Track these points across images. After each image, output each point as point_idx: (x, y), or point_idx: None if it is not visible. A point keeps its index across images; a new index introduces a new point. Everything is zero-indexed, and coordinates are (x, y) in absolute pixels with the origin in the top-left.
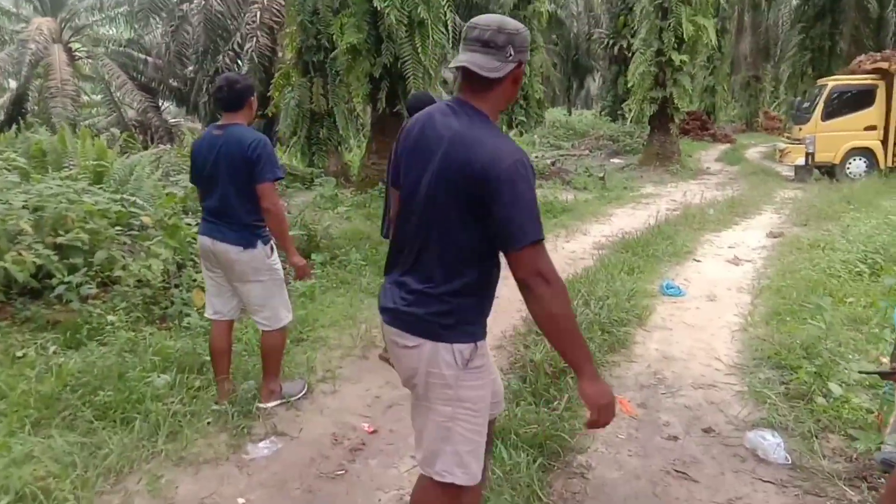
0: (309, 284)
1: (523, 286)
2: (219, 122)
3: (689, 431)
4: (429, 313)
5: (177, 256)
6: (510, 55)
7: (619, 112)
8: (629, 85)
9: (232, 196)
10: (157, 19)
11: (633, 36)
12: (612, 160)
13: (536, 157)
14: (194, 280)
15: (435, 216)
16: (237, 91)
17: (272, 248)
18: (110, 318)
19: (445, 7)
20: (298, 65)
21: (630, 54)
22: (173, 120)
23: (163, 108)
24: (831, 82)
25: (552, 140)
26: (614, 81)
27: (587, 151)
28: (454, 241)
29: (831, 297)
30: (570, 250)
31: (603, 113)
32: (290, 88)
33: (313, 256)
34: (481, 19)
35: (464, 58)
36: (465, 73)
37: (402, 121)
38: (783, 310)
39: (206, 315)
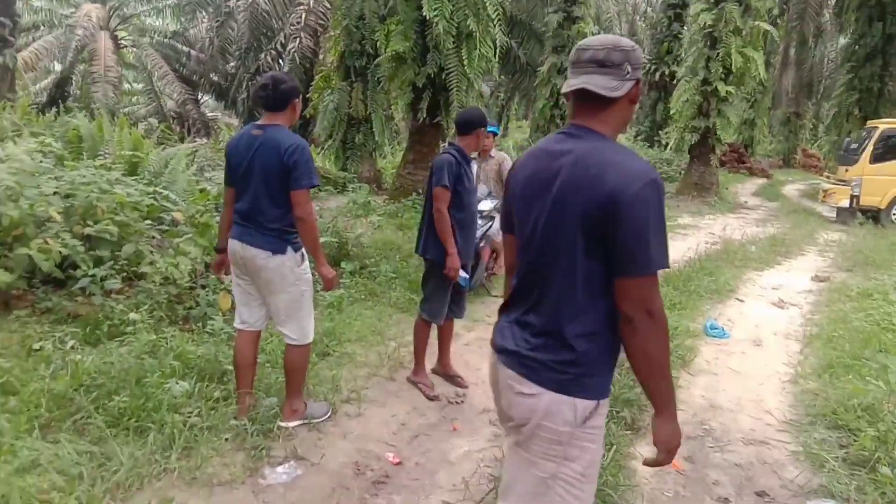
0: (337, 294)
1: (626, 318)
2: (259, 122)
3: (741, 494)
4: (554, 361)
5: (206, 256)
6: (627, 73)
7: (655, 138)
8: (672, 112)
9: (264, 199)
10: (204, 13)
11: (675, 63)
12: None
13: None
14: (221, 282)
15: (558, 246)
16: (282, 91)
17: (303, 257)
18: (132, 315)
19: (495, 21)
20: (340, 69)
21: (670, 81)
22: (211, 114)
23: (202, 101)
24: (883, 125)
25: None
26: (653, 107)
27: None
28: (580, 270)
29: (887, 353)
30: None
31: (639, 138)
32: (329, 91)
33: (343, 265)
34: (593, 40)
35: (580, 80)
36: (581, 96)
37: (441, 132)
38: (836, 363)
39: (234, 324)
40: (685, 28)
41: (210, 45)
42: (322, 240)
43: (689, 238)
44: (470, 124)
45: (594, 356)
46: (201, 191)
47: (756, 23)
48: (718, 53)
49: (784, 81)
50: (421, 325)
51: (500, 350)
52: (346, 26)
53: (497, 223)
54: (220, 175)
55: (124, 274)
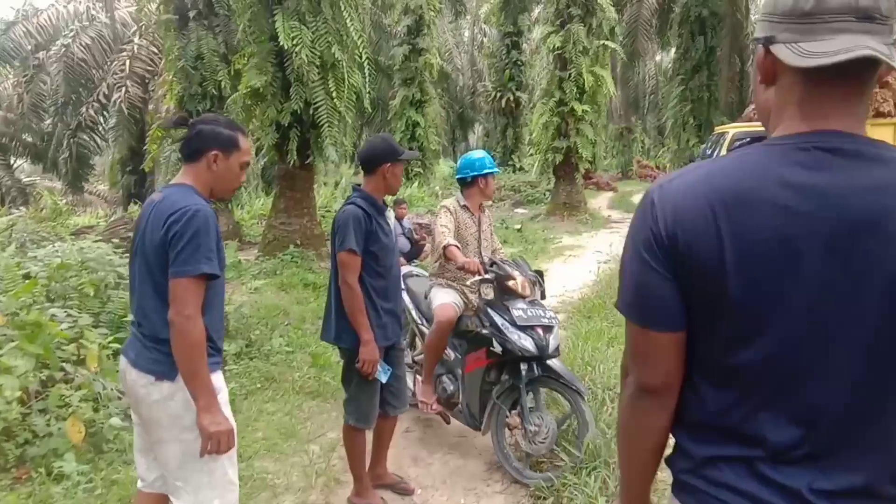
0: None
1: None
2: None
3: None
4: None
5: (41, 370)
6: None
7: (509, 163)
8: (532, 135)
9: (147, 295)
10: (9, 68)
11: (518, 89)
12: (516, 210)
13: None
14: (66, 401)
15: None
16: (198, 134)
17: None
18: None
19: (361, 48)
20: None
21: (516, 107)
22: (27, 179)
23: (15, 166)
24: (731, 129)
25: (453, 191)
26: (503, 133)
27: (490, 203)
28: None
29: None
30: None
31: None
32: (170, 141)
33: (224, 346)
34: None
35: (849, 42)
36: (837, 72)
37: (314, 173)
38: None
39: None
40: (522, 55)
41: (20, 102)
42: None
43: (580, 258)
44: (374, 160)
45: None
46: (26, 276)
47: (601, 42)
48: (570, 74)
49: (613, 99)
50: (350, 433)
51: None
52: (182, 68)
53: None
54: (48, 252)
55: None
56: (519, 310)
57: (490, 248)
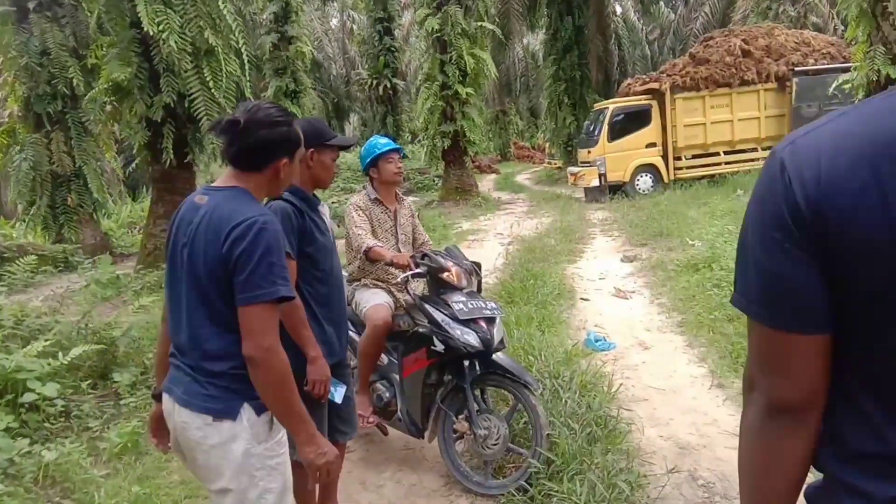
0: (126, 432)
1: None
2: (214, 182)
3: None
4: None
5: None
6: None
7: None
8: (418, 121)
9: (199, 320)
10: None
11: (394, 75)
12: (408, 198)
13: (335, 202)
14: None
15: None
16: (260, 139)
17: (272, 424)
18: None
19: (237, 32)
20: (28, 118)
21: (394, 94)
22: None
23: None
24: (611, 105)
25: (341, 183)
26: (383, 121)
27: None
28: None
29: None
30: None
31: None
32: (18, 148)
33: (115, 377)
34: None
35: None
36: None
37: (194, 173)
38: (736, 349)
39: None
40: (395, 41)
41: None
42: (77, 350)
43: (484, 243)
44: (316, 137)
45: None
46: None
47: (479, 24)
48: (451, 57)
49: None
50: (297, 469)
51: None
52: (25, 66)
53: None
54: None
55: None
56: (458, 303)
57: (411, 241)
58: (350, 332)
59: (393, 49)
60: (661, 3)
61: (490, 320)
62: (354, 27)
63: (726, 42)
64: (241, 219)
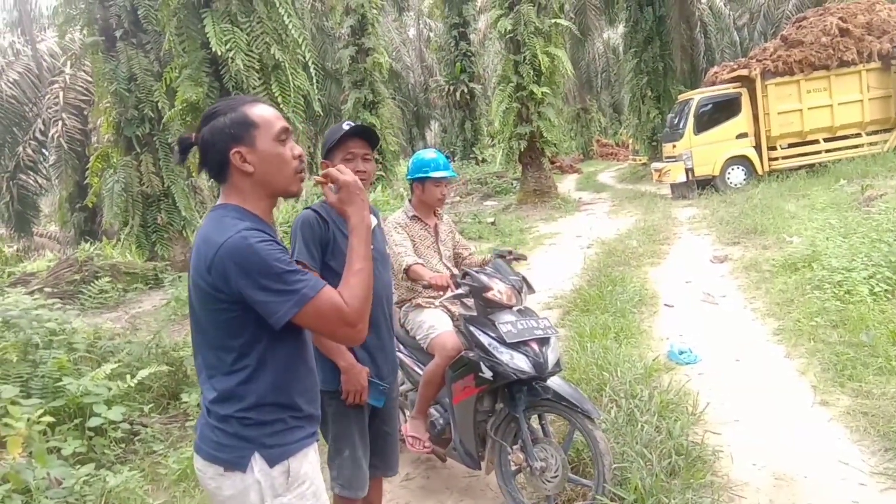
0: (188, 454)
1: None
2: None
3: None
4: None
5: None
6: None
7: (471, 156)
8: (496, 123)
9: (202, 353)
10: None
11: (471, 80)
12: (486, 203)
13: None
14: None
15: None
16: (206, 142)
17: (289, 475)
18: None
19: (303, 46)
20: (119, 142)
21: (472, 99)
22: None
23: None
24: (697, 95)
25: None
26: (461, 126)
27: (458, 198)
28: None
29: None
30: None
31: (456, 157)
32: (112, 171)
33: (184, 397)
34: None
35: None
36: None
37: None
38: (850, 361)
39: None
40: (471, 45)
41: None
42: (145, 372)
43: (560, 246)
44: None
45: None
46: None
47: (553, 21)
48: (525, 57)
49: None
50: None
51: None
52: (115, 92)
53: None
54: None
55: None
56: (507, 324)
57: (454, 258)
58: (401, 355)
59: (469, 54)
60: None
61: (543, 341)
62: (431, 35)
63: (821, 21)
64: (213, 249)
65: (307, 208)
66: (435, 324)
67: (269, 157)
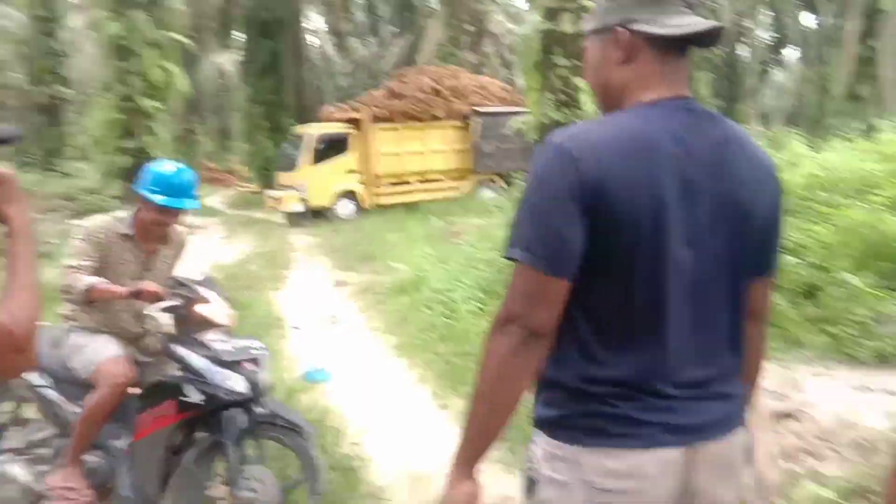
0: None
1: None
2: None
3: None
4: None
5: None
6: None
7: (55, 168)
8: (92, 135)
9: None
10: None
11: (62, 83)
12: (70, 221)
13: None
14: None
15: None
16: None
17: None
18: None
19: None
20: None
21: (60, 103)
22: None
23: None
24: (312, 130)
25: None
26: (42, 133)
27: (38, 216)
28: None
29: None
30: None
31: (34, 168)
32: None
33: None
34: None
35: (694, 19)
36: (686, 46)
37: None
38: (458, 370)
39: None
40: (61, 44)
41: None
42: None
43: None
44: None
45: None
46: None
47: (169, 34)
48: (135, 67)
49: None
50: None
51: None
52: None
53: None
54: None
55: None
56: (220, 341)
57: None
58: (47, 391)
59: (59, 53)
60: (355, 40)
61: (255, 361)
62: (9, 24)
63: (419, 79)
64: None
65: None
66: (100, 348)
67: None
